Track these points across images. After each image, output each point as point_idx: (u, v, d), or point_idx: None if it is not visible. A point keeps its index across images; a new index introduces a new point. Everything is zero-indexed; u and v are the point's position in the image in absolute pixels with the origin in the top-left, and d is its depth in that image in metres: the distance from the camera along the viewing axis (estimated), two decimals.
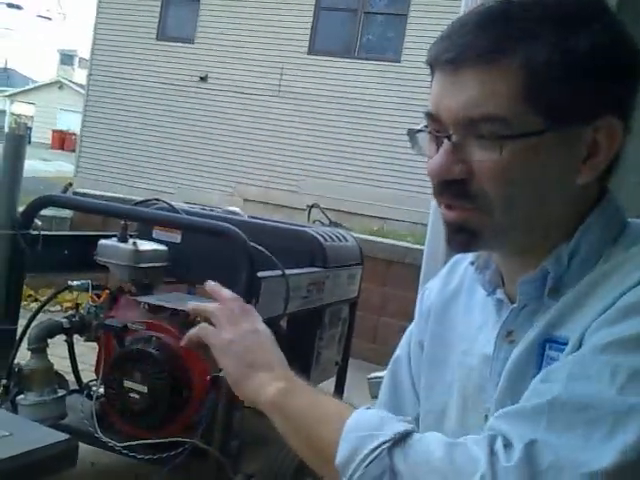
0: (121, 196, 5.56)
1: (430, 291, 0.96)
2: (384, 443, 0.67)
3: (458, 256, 0.95)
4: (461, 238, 0.76)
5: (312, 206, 3.48)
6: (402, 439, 0.68)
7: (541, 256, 0.77)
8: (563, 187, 0.75)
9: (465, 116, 0.72)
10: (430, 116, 0.77)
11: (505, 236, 0.76)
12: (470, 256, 0.89)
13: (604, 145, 0.74)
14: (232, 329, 0.86)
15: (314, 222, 3.21)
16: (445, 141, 0.74)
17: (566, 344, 0.71)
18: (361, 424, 0.70)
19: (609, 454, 0.61)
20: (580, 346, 0.69)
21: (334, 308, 2.66)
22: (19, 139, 2.24)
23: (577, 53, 0.70)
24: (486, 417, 0.79)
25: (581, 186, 0.75)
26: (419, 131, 0.80)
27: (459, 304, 0.90)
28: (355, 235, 3.13)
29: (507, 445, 0.64)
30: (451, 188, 0.74)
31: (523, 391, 0.71)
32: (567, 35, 0.70)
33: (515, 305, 0.79)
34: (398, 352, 0.99)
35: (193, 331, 0.88)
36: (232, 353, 0.84)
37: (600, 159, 0.75)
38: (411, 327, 0.99)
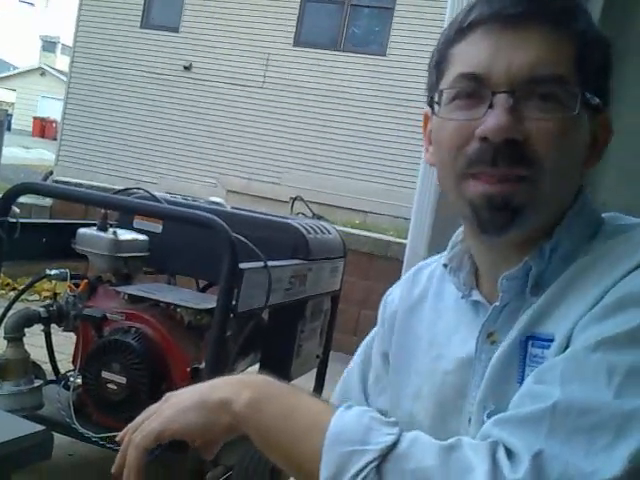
0: (102, 185, 5.51)
1: (393, 297, 0.94)
2: (371, 462, 0.62)
3: (421, 263, 0.94)
4: (502, 216, 0.72)
5: (295, 198, 3.46)
6: (390, 451, 0.62)
7: (522, 251, 0.75)
8: (580, 172, 0.76)
9: (531, 74, 0.70)
10: (473, 76, 0.72)
11: (542, 213, 0.73)
12: (436, 262, 0.88)
13: (601, 137, 0.76)
14: (145, 412, 0.74)
15: (297, 214, 3.20)
16: (504, 99, 0.70)
17: (551, 340, 0.69)
18: (343, 435, 0.64)
19: (616, 462, 0.59)
20: (568, 343, 0.67)
21: (316, 301, 2.65)
22: None
23: (606, 40, 0.75)
24: (470, 420, 0.77)
25: (582, 175, 0.76)
26: (456, 96, 0.73)
27: (424, 310, 0.88)
28: (338, 228, 3.13)
29: (510, 455, 0.61)
30: (508, 151, 0.69)
31: (507, 391, 0.70)
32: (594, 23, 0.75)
33: (496, 304, 0.77)
34: (352, 364, 0.97)
35: (118, 456, 0.74)
36: (172, 404, 0.72)
37: (599, 149, 0.76)
38: (372, 335, 0.97)
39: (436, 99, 0.76)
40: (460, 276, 0.83)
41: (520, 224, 0.72)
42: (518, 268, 0.74)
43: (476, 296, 0.81)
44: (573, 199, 0.76)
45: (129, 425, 0.74)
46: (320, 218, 3.18)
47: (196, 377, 2.11)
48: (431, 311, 0.87)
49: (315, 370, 2.79)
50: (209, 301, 2.27)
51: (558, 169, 0.71)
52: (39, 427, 1.11)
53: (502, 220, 0.72)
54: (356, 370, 0.95)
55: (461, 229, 0.85)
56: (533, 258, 0.74)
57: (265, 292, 2.10)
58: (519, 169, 0.70)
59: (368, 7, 11.29)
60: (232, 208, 2.70)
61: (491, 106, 0.70)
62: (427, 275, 0.90)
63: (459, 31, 0.74)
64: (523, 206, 0.71)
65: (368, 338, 0.97)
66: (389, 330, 0.91)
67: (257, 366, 2.55)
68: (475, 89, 0.72)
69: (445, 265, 0.85)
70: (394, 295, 0.94)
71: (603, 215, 0.78)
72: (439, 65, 0.77)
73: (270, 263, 2.13)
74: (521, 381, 0.70)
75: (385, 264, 4.45)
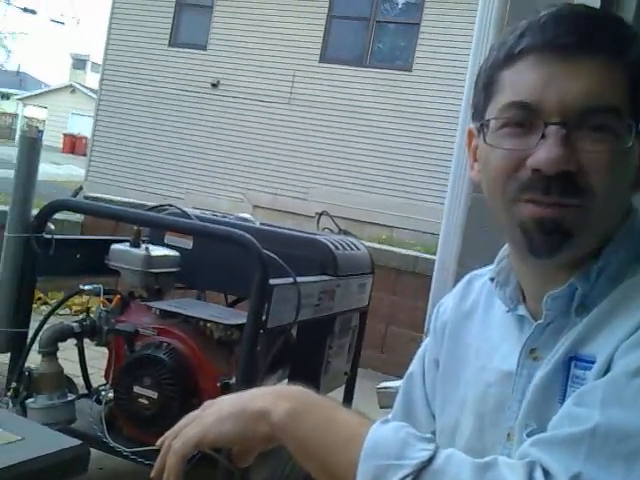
0: (132, 201, 5.58)
1: (445, 308, 0.94)
2: (406, 477, 0.63)
3: (473, 273, 0.94)
4: (553, 239, 0.72)
5: (321, 214, 3.47)
6: (425, 467, 0.63)
7: (569, 271, 0.75)
8: (629, 196, 0.76)
9: (584, 105, 0.70)
10: (524, 105, 0.72)
11: (591, 237, 0.73)
12: (488, 272, 0.88)
13: None
14: (184, 419, 0.75)
15: (323, 230, 3.20)
16: (556, 130, 0.70)
17: (593, 362, 0.69)
18: (380, 448, 0.65)
19: None
20: (609, 366, 0.67)
21: (344, 317, 2.65)
22: (33, 143, 2.24)
23: None
24: (509, 435, 0.77)
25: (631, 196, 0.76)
26: (505, 124, 0.73)
27: (475, 321, 0.88)
28: (366, 244, 3.13)
29: (548, 476, 0.62)
30: (561, 181, 0.70)
31: (549, 411, 0.70)
32: None
33: (540, 321, 0.77)
34: (411, 369, 0.97)
35: (158, 461, 0.75)
36: (211, 413, 0.73)
37: None
38: (425, 344, 0.97)
39: (484, 123, 0.76)
40: (506, 290, 0.83)
41: (570, 247, 0.73)
42: (563, 288, 0.74)
43: (522, 311, 0.81)
44: (622, 220, 0.76)
45: (169, 431, 0.75)
46: (347, 233, 3.18)
47: (226, 392, 2.10)
48: (480, 322, 0.87)
49: (343, 387, 2.79)
50: (239, 317, 2.28)
51: (609, 198, 0.71)
52: (76, 441, 1.13)
53: (553, 243, 0.72)
54: (418, 384, 0.95)
55: (507, 245, 0.85)
56: (579, 279, 0.74)
57: (294, 308, 2.11)
58: (572, 198, 0.71)
59: (394, 23, 11.35)
60: (261, 224, 2.72)
61: (543, 136, 0.70)
62: (479, 286, 0.91)
63: (509, 56, 0.74)
64: (573, 230, 0.71)
65: (421, 349, 0.97)
66: (440, 339, 0.92)
67: (286, 382, 2.56)
68: (526, 118, 0.72)
69: (492, 279, 0.85)
70: (446, 306, 0.94)
71: None
72: (488, 87, 0.77)
73: (299, 279, 2.14)
74: (562, 401, 0.70)
75: (412, 280, 4.43)
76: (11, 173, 2.30)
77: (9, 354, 2.25)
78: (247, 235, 2.04)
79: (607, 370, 0.67)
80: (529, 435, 0.71)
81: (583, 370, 0.70)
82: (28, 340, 2.25)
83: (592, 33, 0.71)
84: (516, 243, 0.77)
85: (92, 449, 2.14)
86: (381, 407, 1.84)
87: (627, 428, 0.61)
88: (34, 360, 2.27)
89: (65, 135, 27.83)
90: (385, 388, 1.89)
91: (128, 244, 2.37)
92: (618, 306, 0.71)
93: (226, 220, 2.58)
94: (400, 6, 11.35)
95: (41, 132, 2.33)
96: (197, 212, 2.66)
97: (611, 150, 0.70)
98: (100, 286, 2.30)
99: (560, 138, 0.69)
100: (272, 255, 2.06)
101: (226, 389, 2.14)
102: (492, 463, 0.63)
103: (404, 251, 5.01)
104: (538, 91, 0.71)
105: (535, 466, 0.62)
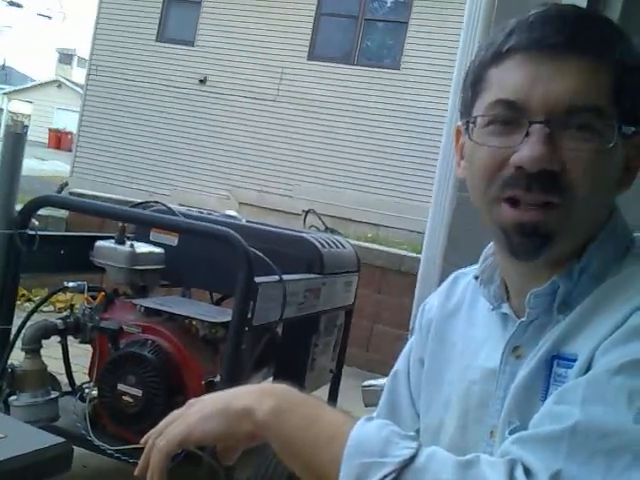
0: (118, 197, 5.55)
1: (430, 306, 0.95)
2: (388, 475, 0.63)
3: (458, 272, 0.95)
4: (532, 242, 0.73)
5: (308, 211, 3.47)
6: (408, 465, 0.63)
7: (552, 269, 0.76)
8: (613, 195, 0.76)
9: (569, 104, 0.70)
10: (510, 103, 0.72)
11: (572, 238, 0.74)
12: (473, 271, 0.89)
13: (635, 159, 0.76)
14: (168, 417, 0.75)
15: (310, 227, 3.20)
16: (540, 128, 0.70)
17: (574, 360, 0.70)
18: (363, 446, 0.65)
19: None
20: (590, 364, 0.68)
21: (330, 315, 2.65)
22: (18, 138, 2.23)
23: None
24: (492, 433, 0.78)
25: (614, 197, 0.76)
26: (491, 121, 0.74)
27: (460, 320, 0.89)
28: (351, 242, 3.13)
29: (528, 474, 0.62)
30: (543, 180, 0.70)
31: (531, 408, 0.71)
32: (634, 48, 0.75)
33: (523, 319, 0.77)
34: (397, 368, 0.97)
35: (142, 459, 0.74)
36: (195, 411, 0.72)
37: (633, 173, 0.77)
38: (410, 343, 0.98)
39: (471, 120, 0.77)
40: (490, 288, 0.84)
41: (550, 250, 0.73)
42: (546, 286, 0.75)
43: (505, 309, 0.82)
44: (606, 219, 0.77)
45: (153, 429, 0.75)
46: (333, 231, 3.18)
47: (211, 390, 2.11)
48: (465, 321, 0.88)
49: (328, 385, 2.79)
50: (224, 314, 2.28)
51: (591, 197, 0.72)
52: (60, 439, 1.12)
53: (532, 246, 0.73)
54: (403, 382, 0.95)
55: (492, 243, 0.85)
56: (561, 277, 0.75)
57: (280, 306, 2.12)
58: (552, 197, 0.71)
59: (382, 21, 11.36)
60: (247, 221, 2.71)
61: (527, 135, 0.71)
62: (463, 285, 0.91)
63: (497, 54, 0.74)
64: (553, 232, 0.72)
65: (406, 348, 0.98)
66: (425, 338, 0.92)
67: (271, 380, 2.56)
68: (512, 116, 0.73)
69: (476, 277, 0.86)
70: (431, 304, 0.95)
71: (636, 234, 0.79)
72: (475, 85, 0.78)
73: (285, 277, 2.14)
74: (545, 399, 0.71)
75: (397, 278, 4.45)
76: None
77: None
78: (233, 232, 2.04)
79: (588, 368, 0.68)
80: (512, 432, 0.71)
81: (565, 368, 0.71)
82: (11, 337, 2.23)
83: (579, 33, 0.71)
84: (498, 243, 0.79)
85: (76, 447, 2.13)
86: (366, 405, 1.85)
87: (607, 425, 0.62)
88: (17, 357, 2.26)
89: (50, 130, 27.61)
90: (370, 386, 1.89)
91: (113, 241, 2.36)
92: (600, 304, 0.71)
93: (212, 217, 2.58)
94: (389, 4, 11.35)
95: (26, 127, 2.31)
96: (183, 209, 2.65)
97: (594, 149, 0.71)
98: (84, 283, 2.29)
99: (544, 136, 0.70)
100: (258, 253, 2.06)
101: (211, 387, 2.14)
102: (474, 461, 0.64)
103: (391, 250, 5.02)
104: (524, 90, 0.72)
105: (516, 464, 0.63)
